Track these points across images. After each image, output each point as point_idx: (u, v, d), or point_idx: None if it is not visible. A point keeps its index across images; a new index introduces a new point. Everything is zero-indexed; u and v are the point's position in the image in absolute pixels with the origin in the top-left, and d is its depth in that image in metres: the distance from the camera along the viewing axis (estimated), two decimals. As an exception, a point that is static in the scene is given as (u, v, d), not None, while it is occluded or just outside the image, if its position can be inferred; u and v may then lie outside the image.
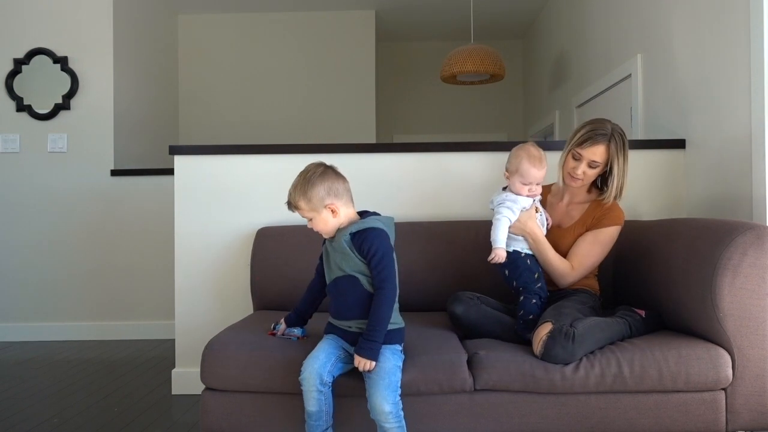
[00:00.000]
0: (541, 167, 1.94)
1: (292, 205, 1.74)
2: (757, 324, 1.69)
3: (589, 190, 2.09)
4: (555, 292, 2.00)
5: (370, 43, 5.23)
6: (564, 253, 2.00)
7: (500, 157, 2.57)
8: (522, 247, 1.98)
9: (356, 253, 1.66)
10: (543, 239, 1.96)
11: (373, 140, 5.06)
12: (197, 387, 2.43)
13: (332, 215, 1.70)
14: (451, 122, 6.14)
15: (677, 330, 1.87)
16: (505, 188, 2.03)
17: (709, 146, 2.41)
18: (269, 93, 5.21)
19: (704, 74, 2.43)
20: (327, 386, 1.63)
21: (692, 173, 2.54)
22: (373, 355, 1.59)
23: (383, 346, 1.63)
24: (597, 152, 1.96)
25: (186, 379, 2.59)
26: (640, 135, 3.03)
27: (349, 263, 1.67)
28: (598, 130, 1.96)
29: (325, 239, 1.78)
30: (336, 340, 1.70)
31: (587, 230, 2.01)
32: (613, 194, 1.99)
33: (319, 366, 1.62)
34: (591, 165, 1.98)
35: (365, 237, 1.66)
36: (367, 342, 1.60)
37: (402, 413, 1.59)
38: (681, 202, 2.58)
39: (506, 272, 1.99)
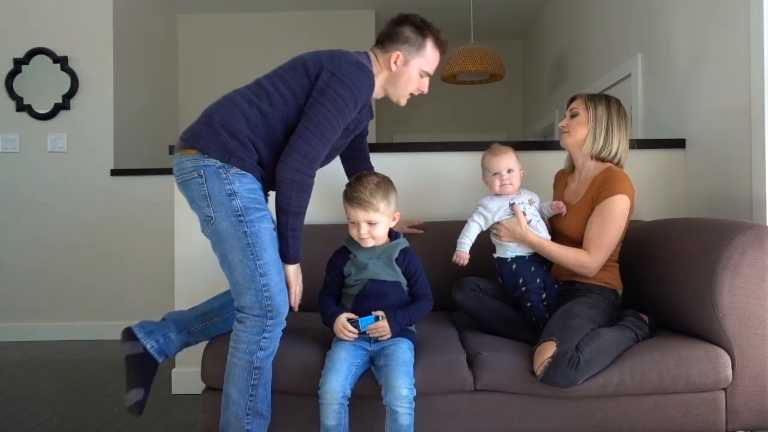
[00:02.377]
0: (500, 153, 1.97)
1: (368, 208, 1.66)
2: (757, 324, 1.69)
3: (596, 164, 2.01)
4: (569, 282, 1.93)
5: (371, 42, 5.17)
6: (574, 233, 1.94)
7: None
8: (506, 253, 1.95)
9: (401, 269, 1.74)
10: (539, 241, 1.90)
11: (372, 140, 5.05)
12: (197, 387, 2.42)
13: (390, 223, 1.75)
14: (451, 122, 6.14)
15: (677, 330, 1.87)
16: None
17: (708, 146, 2.41)
18: (269, 93, 5.20)
19: (704, 74, 2.43)
20: (348, 399, 1.61)
21: (692, 173, 2.54)
22: (395, 330, 1.66)
23: (405, 340, 1.69)
24: (576, 104, 2.01)
25: (186, 378, 2.59)
26: (639, 135, 3.03)
27: (391, 275, 1.74)
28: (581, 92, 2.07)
29: (348, 253, 1.76)
30: (356, 342, 1.68)
31: (591, 205, 1.93)
32: (591, 141, 1.95)
33: (343, 379, 1.60)
34: (572, 113, 2.00)
35: (411, 257, 1.76)
36: (399, 320, 1.66)
37: (414, 404, 1.59)
38: (681, 201, 2.58)
39: (499, 280, 1.98)
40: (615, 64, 3.39)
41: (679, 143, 2.58)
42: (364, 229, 1.69)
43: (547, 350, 1.63)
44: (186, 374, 2.59)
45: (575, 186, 2.06)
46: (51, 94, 3.85)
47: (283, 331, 1.67)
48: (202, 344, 2.28)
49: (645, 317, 1.88)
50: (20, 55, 3.86)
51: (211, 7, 5.09)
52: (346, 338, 1.67)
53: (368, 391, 1.66)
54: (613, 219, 1.88)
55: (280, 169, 1.58)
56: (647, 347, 1.74)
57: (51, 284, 3.81)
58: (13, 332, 3.77)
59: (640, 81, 3.03)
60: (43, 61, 3.86)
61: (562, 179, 2.17)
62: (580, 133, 1.98)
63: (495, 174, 1.97)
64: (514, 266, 1.93)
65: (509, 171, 1.95)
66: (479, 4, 4.98)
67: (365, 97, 1.68)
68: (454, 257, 1.96)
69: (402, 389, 1.56)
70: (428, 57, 1.79)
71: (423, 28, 1.78)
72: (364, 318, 1.66)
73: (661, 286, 1.93)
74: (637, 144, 2.59)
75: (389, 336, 1.66)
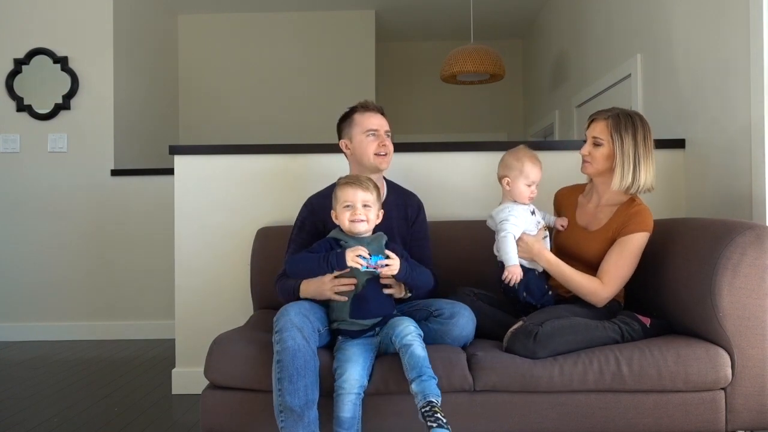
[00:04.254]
0: (539, 165, 1.95)
1: (365, 188, 1.76)
2: (757, 324, 1.69)
3: (619, 192, 1.97)
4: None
5: (370, 42, 5.23)
6: (590, 258, 1.92)
7: (500, 158, 2.56)
8: (529, 263, 1.93)
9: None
10: (557, 261, 1.89)
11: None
12: (197, 387, 2.43)
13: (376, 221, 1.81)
14: (451, 122, 6.14)
15: (677, 330, 1.87)
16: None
17: (708, 146, 2.41)
18: (269, 93, 5.20)
19: (704, 74, 2.43)
20: (364, 391, 1.63)
21: (692, 173, 2.54)
22: (404, 270, 1.73)
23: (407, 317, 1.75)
24: (597, 128, 1.92)
25: (186, 378, 2.59)
26: (639, 135, 3.03)
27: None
28: (601, 111, 1.97)
29: (338, 241, 1.78)
30: (366, 340, 1.73)
31: (613, 236, 1.90)
32: (619, 178, 1.86)
33: (361, 369, 1.63)
34: (595, 143, 1.92)
35: (396, 247, 1.81)
36: (408, 269, 1.76)
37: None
38: (681, 201, 2.58)
39: (523, 292, 1.90)
40: (615, 64, 3.39)
41: (679, 143, 2.59)
42: (360, 209, 1.74)
43: (515, 326, 1.77)
44: (186, 374, 2.59)
45: (593, 209, 2.01)
46: (51, 94, 3.85)
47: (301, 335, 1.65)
48: (202, 344, 2.28)
49: (645, 319, 1.86)
50: (20, 55, 3.86)
51: (212, 7, 5.09)
52: (357, 265, 1.67)
53: (373, 390, 1.66)
54: (633, 255, 1.88)
55: None
56: (646, 343, 1.75)
57: (51, 284, 3.81)
58: (12, 332, 3.77)
59: (640, 81, 3.03)
60: (43, 61, 3.86)
61: (570, 198, 2.11)
62: (603, 165, 1.92)
63: (531, 184, 1.93)
64: (537, 274, 1.94)
65: (537, 185, 1.95)
66: (479, 4, 4.98)
67: (305, 213, 2.09)
68: (507, 275, 1.86)
69: (408, 327, 1.66)
70: (359, 120, 2.07)
71: (347, 112, 2.14)
72: (375, 256, 1.69)
73: (661, 286, 1.93)
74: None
75: (397, 272, 1.71)
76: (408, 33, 5.86)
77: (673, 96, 2.70)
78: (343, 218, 1.77)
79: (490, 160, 2.57)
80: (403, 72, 6.17)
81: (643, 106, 3.01)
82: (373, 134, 2.05)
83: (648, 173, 1.88)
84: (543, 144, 2.72)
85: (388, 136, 2.09)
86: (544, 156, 2.55)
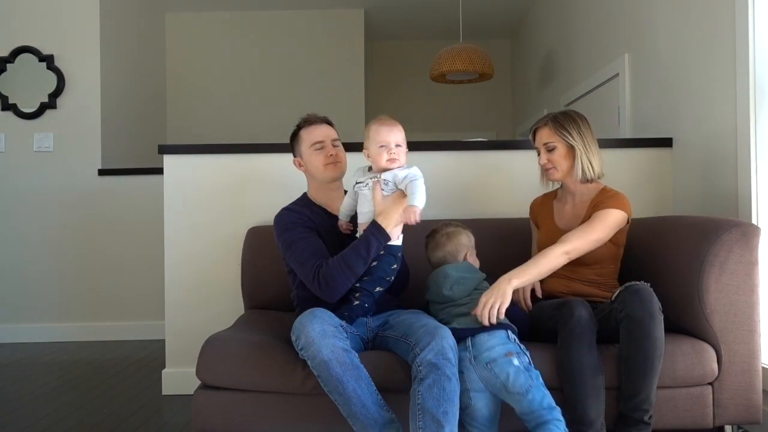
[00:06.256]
0: (390, 125, 1.85)
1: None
2: (743, 320, 1.72)
3: (588, 187, 2.01)
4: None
5: (359, 41, 5.22)
6: (587, 255, 1.89)
7: (489, 156, 2.59)
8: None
9: None
10: (522, 266, 1.84)
11: (362, 139, 5.05)
12: (188, 387, 2.42)
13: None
14: (440, 121, 6.16)
15: (665, 326, 1.89)
16: (370, 169, 1.91)
17: (695, 144, 2.45)
18: (258, 92, 5.18)
19: (690, 73, 2.46)
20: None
21: (679, 171, 2.57)
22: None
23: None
24: (543, 135, 1.98)
25: (177, 379, 2.57)
26: (627, 134, 3.06)
27: None
28: (538, 120, 2.04)
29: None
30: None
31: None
32: (580, 167, 1.92)
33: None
34: (548, 148, 1.97)
35: None
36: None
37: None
38: (668, 199, 2.61)
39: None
40: (603, 64, 3.42)
41: (666, 142, 2.61)
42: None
43: None
44: (177, 375, 2.58)
45: (571, 210, 2.03)
46: (37, 92, 3.80)
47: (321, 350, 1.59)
48: (193, 344, 2.27)
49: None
50: (5, 53, 3.81)
51: (199, 5, 5.06)
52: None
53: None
54: (602, 224, 1.85)
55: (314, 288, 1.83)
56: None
57: (37, 285, 3.77)
58: (-1, 334, 3.73)
59: (628, 81, 3.06)
60: (28, 59, 3.82)
61: (545, 206, 2.13)
62: (566, 164, 1.96)
63: (383, 146, 1.85)
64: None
65: (398, 145, 1.85)
66: (468, 4, 4.99)
67: (292, 218, 1.95)
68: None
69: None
70: (304, 136, 2.04)
71: (294, 130, 2.10)
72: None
73: (649, 283, 1.95)
74: (625, 143, 2.63)
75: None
76: (397, 32, 5.87)
77: (661, 95, 2.73)
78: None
79: (479, 159, 2.59)
80: (392, 71, 6.17)
81: (631, 105, 3.05)
82: (320, 146, 2.00)
83: (597, 156, 1.97)
84: (529, 144, 2.73)
85: (335, 145, 2.03)
86: (533, 155, 2.58)
